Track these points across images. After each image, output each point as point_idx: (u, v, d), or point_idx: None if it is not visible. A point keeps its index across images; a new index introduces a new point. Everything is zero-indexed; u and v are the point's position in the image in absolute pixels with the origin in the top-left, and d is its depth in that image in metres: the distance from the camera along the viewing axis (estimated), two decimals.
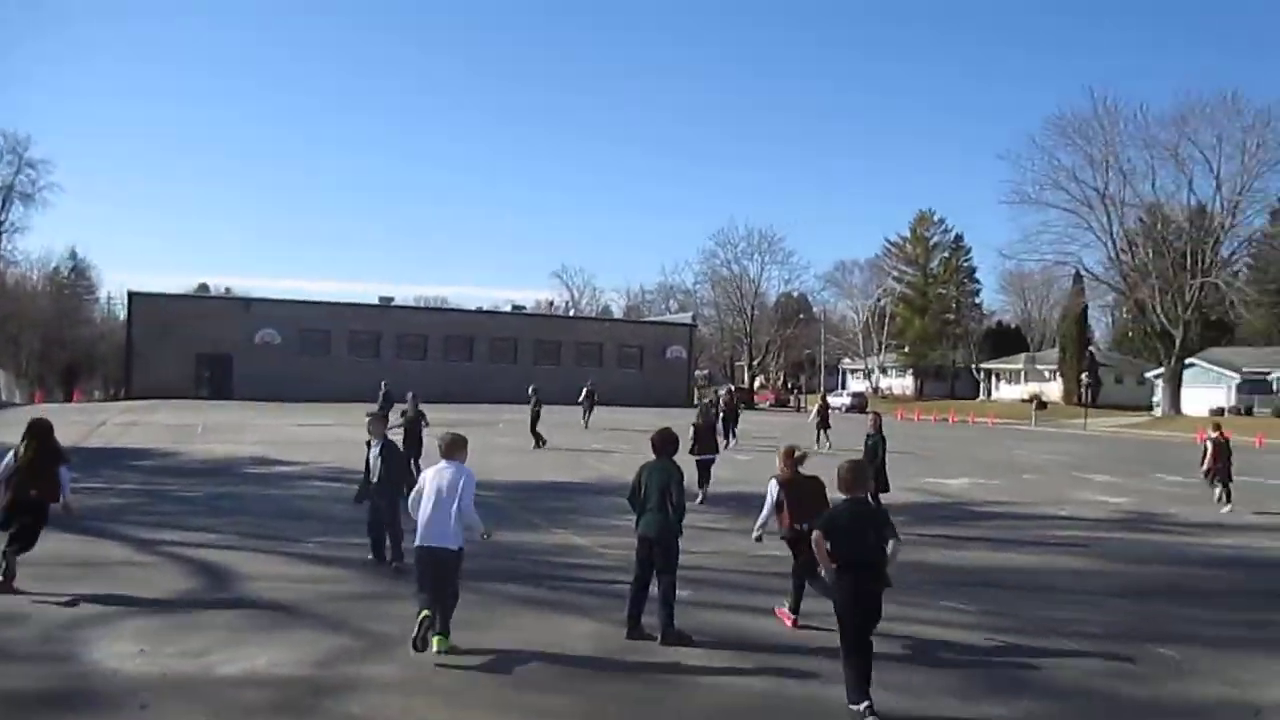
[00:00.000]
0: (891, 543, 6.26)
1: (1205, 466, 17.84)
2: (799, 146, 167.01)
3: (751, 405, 65.75)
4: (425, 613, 7.02)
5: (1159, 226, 65.54)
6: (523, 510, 14.79)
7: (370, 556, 10.31)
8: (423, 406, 17.90)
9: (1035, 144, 69.77)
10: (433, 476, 7.47)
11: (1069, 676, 7.02)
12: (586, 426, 34.85)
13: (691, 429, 16.34)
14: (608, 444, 28.52)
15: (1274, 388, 63.64)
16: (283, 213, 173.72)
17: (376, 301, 68.76)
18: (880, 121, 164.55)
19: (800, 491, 8.04)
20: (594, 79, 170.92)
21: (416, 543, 7.34)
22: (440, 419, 18.05)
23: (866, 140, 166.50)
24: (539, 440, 26.18)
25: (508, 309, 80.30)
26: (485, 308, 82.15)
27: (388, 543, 10.22)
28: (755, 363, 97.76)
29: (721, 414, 27.22)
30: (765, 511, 8.22)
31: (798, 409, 70.60)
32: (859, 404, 67.17)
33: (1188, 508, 17.32)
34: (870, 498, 13.01)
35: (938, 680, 6.86)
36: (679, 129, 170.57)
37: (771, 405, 76.47)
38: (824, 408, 32.36)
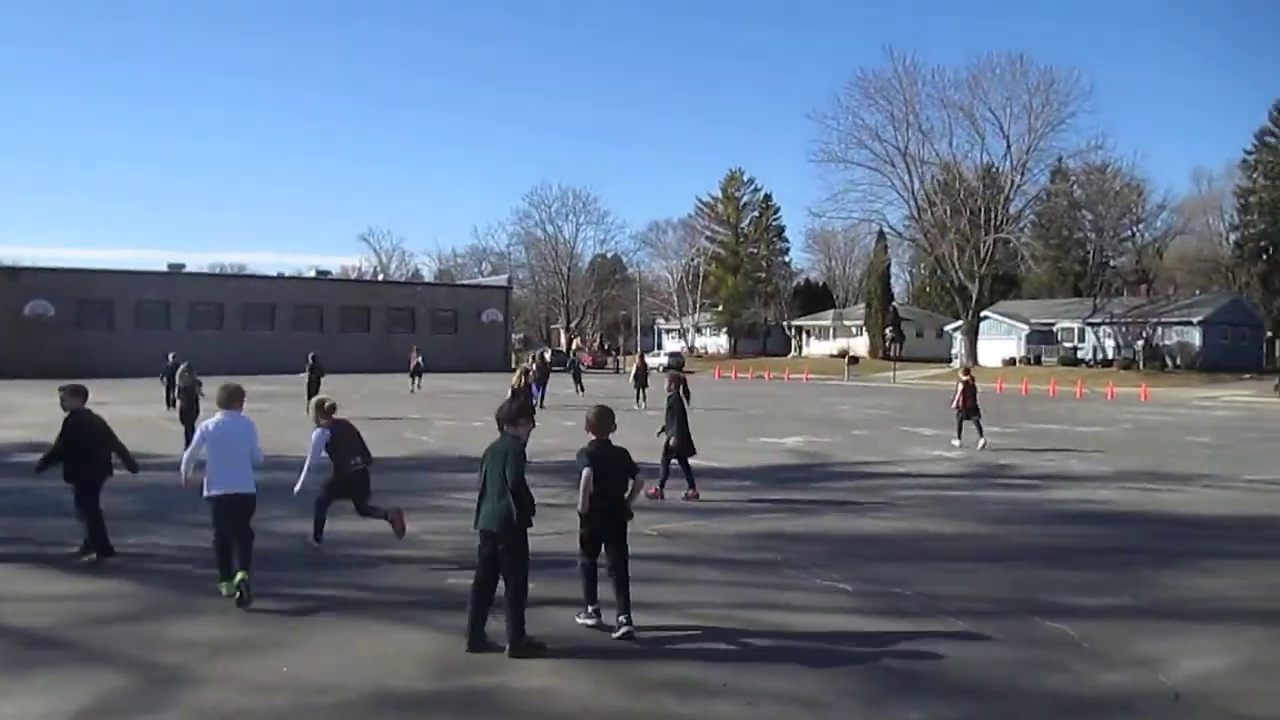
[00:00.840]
0: (632, 481, 6.92)
1: (954, 405, 19.28)
2: (608, 105, 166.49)
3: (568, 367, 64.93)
4: (243, 575, 7.26)
5: (956, 184, 68.37)
6: None
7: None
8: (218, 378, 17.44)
9: (840, 103, 71.71)
10: (215, 428, 7.61)
11: (972, 668, 6.22)
12: (413, 391, 34.76)
13: (510, 393, 17.36)
14: (426, 412, 27.01)
15: (1059, 338, 67.78)
16: (58, 181, 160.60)
17: (165, 269, 63.86)
18: (690, 80, 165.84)
19: (342, 436, 9.10)
20: (393, 47, 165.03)
21: (214, 492, 7.50)
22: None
23: (677, 99, 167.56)
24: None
25: (312, 275, 76.26)
26: (287, 274, 77.84)
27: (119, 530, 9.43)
28: (572, 325, 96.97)
29: (535, 377, 27.54)
30: (312, 459, 9.05)
31: (616, 370, 70.26)
32: (676, 364, 67.25)
33: (1019, 459, 17.45)
34: (680, 460, 12.49)
35: (836, 682, 5.95)
36: (480, 88, 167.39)
37: (589, 367, 75.74)
38: (642, 368, 33.06)
